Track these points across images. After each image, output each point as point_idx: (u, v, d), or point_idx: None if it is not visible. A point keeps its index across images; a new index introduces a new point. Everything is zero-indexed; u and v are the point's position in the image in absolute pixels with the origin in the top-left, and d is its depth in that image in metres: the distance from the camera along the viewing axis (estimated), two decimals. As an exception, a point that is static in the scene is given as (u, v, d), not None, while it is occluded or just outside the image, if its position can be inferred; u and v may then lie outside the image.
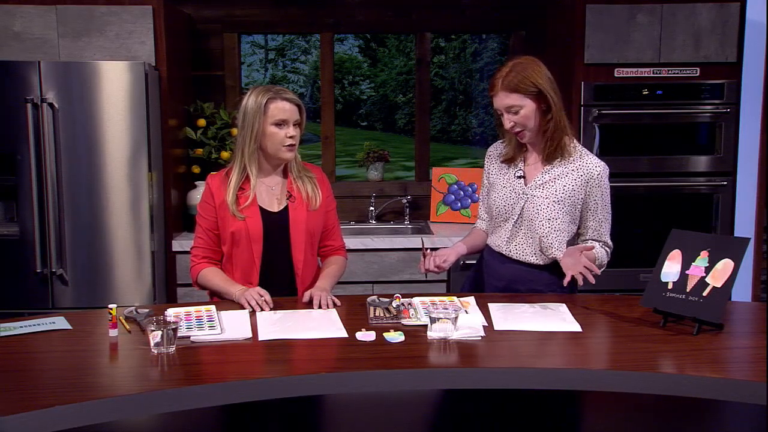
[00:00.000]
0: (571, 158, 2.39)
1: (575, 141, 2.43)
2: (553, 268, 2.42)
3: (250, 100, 2.37)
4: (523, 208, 2.41)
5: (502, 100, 2.32)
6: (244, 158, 2.39)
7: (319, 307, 2.25)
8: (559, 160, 2.39)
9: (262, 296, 2.24)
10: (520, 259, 2.44)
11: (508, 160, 2.48)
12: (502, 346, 1.95)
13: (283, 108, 2.36)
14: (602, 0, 3.66)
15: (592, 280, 2.21)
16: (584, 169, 2.38)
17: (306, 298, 2.30)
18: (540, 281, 2.44)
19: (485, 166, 2.58)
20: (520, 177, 2.44)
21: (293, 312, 2.21)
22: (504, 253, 2.47)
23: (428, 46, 4.33)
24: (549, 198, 2.37)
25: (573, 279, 2.26)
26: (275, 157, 2.40)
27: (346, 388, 1.79)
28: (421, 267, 2.43)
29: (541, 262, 2.43)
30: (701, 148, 3.80)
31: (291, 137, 2.37)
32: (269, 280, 2.41)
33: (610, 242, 2.46)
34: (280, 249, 2.42)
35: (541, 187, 2.39)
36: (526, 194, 2.41)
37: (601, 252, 2.42)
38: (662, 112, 3.75)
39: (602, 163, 2.41)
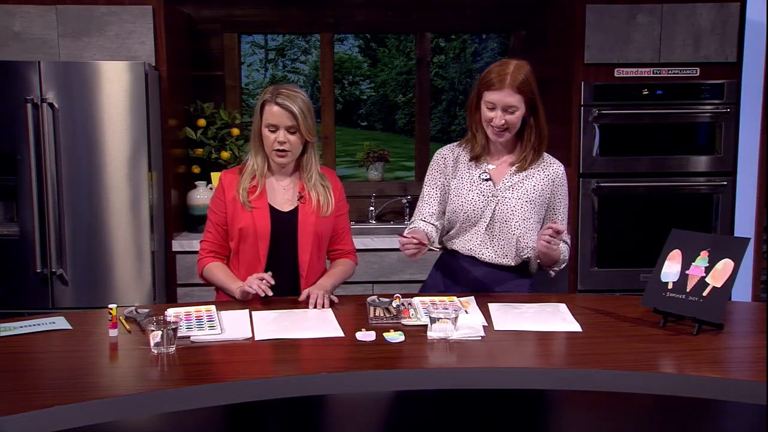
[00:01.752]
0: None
1: None
2: (523, 268, 2.46)
3: (259, 97, 2.40)
4: (494, 211, 2.40)
5: (506, 97, 2.28)
6: (251, 153, 2.43)
7: (315, 306, 2.24)
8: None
9: (262, 279, 2.24)
10: (495, 262, 2.43)
11: (476, 159, 2.43)
12: (502, 346, 1.94)
13: (272, 112, 2.33)
14: (602, 0, 3.66)
15: (550, 242, 2.25)
16: (549, 170, 2.42)
17: (303, 296, 2.30)
18: (511, 283, 2.45)
19: (436, 169, 2.47)
20: (486, 180, 2.41)
21: (289, 312, 2.21)
22: (477, 256, 2.43)
23: (428, 46, 4.33)
24: (522, 198, 2.38)
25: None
26: (270, 159, 2.41)
27: (346, 388, 1.79)
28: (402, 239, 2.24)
29: (513, 263, 2.43)
30: (701, 148, 3.80)
31: (280, 143, 2.34)
32: (273, 278, 2.40)
33: (569, 241, 2.50)
34: (287, 249, 2.42)
35: (512, 189, 2.39)
36: (497, 196, 2.39)
37: (565, 248, 2.44)
38: (662, 112, 3.75)
39: (560, 162, 2.47)
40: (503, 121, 2.31)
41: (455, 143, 2.52)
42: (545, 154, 2.45)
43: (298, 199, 2.43)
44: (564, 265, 2.46)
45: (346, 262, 2.56)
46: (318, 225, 2.43)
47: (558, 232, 2.25)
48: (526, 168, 2.40)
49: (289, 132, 2.34)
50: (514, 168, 2.41)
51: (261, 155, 2.42)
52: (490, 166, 2.43)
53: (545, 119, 2.38)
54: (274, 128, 2.34)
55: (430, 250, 2.37)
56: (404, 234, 2.30)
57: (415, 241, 2.21)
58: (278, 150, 2.35)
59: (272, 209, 2.41)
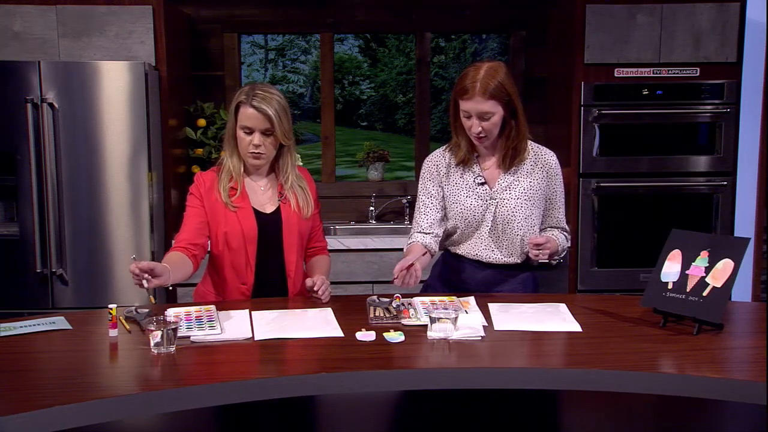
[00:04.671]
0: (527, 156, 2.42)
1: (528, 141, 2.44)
2: (526, 264, 2.48)
3: (234, 97, 2.34)
4: (495, 214, 2.39)
5: (478, 105, 2.26)
6: (227, 154, 2.38)
7: (316, 292, 2.28)
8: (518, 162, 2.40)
9: (138, 269, 2.00)
10: (501, 263, 2.43)
11: (462, 163, 2.41)
12: (502, 346, 1.94)
13: (247, 115, 2.27)
14: (602, 0, 3.66)
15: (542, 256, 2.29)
16: (542, 162, 2.41)
17: (309, 283, 2.32)
18: (515, 279, 2.46)
19: (428, 178, 2.45)
20: (481, 183, 2.40)
21: (289, 312, 2.21)
22: (484, 260, 2.43)
23: (428, 46, 4.33)
24: (520, 198, 2.38)
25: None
26: (244, 160, 2.36)
27: (346, 388, 1.79)
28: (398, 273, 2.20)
29: (519, 261, 2.45)
30: (701, 148, 3.80)
31: (255, 146, 2.29)
32: (263, 281, 2.40)
33: (567, 227, 2.52)
34: (273, 251, 2.40)
35: (508, 189, 2.39)
36: (495, 199, 2.39)
37: (562, 238, 2.46)
38: (662, 112, 3.75)
39: (551, 151, 2.46)
40: (480, 129, 2.29)
41: (442, 148, 2.50)
42: (533, 145, 2.43)
43: (280, 200, 2.41)
44: (564, 253, 2.48)
45: (325, 258, 2.57)
46: (300, 225, 2.42)
47: (538, 245, 2.27)
48: (512, 166, 2.39)
49: (264, 135, 2.29)
50: (504, 168, 2.41)
51: (236, 156, 2.36)
52: (484, 169, 2.42)
53: (525, 118, 2.36)
54: (249, 131, 2.29)
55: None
56: (399, 267, 2.19)
57: (405, 274, 2.17)
58: (253, 153, 2.31)
59: (255, 211, 2.38)
